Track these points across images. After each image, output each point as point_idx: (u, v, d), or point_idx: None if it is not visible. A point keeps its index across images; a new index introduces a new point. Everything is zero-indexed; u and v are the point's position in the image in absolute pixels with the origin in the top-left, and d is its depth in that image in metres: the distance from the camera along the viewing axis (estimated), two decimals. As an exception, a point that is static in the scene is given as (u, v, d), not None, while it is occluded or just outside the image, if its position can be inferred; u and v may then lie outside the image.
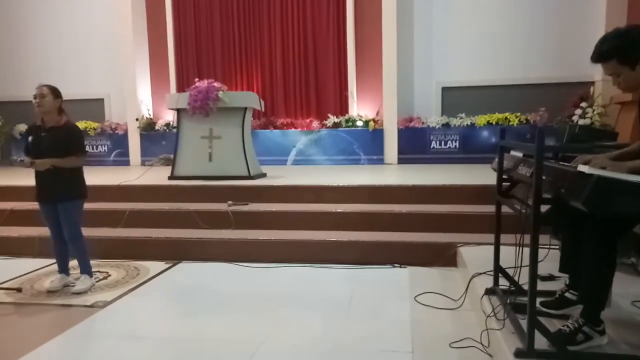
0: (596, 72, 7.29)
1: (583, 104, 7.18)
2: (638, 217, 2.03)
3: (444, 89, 8.16)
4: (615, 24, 2.30)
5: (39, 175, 3.58)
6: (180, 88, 8.71)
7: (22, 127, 9.04)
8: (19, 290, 3.70)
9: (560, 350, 2.01)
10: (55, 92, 3.54)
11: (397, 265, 4.19)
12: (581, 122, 7.00)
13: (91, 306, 3.39)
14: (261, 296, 3.56)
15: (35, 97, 3.49)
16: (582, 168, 1.79)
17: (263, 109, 6.74)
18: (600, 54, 2.10)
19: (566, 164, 2.14)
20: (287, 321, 3.09)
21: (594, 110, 7.10)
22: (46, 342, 2.81)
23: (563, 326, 2.13)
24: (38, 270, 4.27)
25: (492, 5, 7.87)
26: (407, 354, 2.59)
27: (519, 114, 7.63)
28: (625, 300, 2.63)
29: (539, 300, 2.48)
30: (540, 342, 2.05)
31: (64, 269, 3.79)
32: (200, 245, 4.54)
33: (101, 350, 2.74)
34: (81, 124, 8.41)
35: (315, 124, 8.23)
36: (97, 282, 3.89)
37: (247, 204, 5.10)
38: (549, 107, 7.45)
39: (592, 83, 7.39)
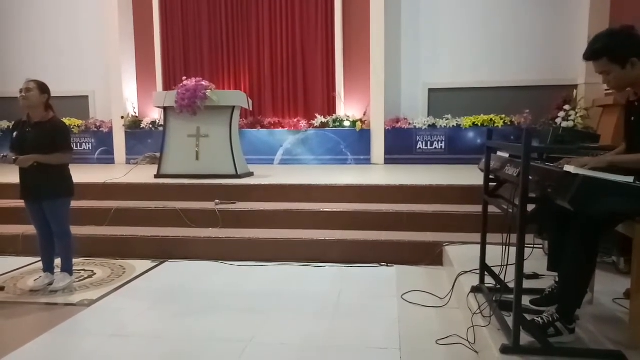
0: (579, 76, 7.44)
1: (566, 107, 7.30)
2: (621, 216, 2.09)
3: (431, 91, 8.22)
4: (598, 29, 2.37)
5: (23, 172, 3.52)
6: (167, 86, 8.63)
7: (5, 124, 8.90)
8: (1, 289, 3.65)
9: (544, 346, 2.05)
10: (42, 88, 3.49)
11: (384, 264, 4.22)
12: (564, 124, 7.12)
13: (77, 305, 3.35)
14: (249, 295, 3.56)
15: (21, 92, 3.45)
16: (569, 168, 1.84)
17: (251, 108, 6.74)
18: (593, 52, 2.17)
19: (551, 164, 2.19)
20: (276, 319, 3.09)
21: (576, 113, 7.22)
22: (31, 341, 2.77)
23: (538, 317, 2.18)
24: (21, 268, 4.21)
25: (478, 8, 7.96)
26: (394, 351, 2.61)
27: (503, 115, 7.72)
28: (607, 298, 2.69)
29: (527, 298, 2.54)
30: (526, 338, 2.10)
31: (49, 268, 3.75)
32: (187, 244, 4.52)
33: (88, 348, 2.71)
34: (65, 121, 8.27)
35: (303, 123, 8.23)
36: (82, 280, 3.86)
37: (234, 203, 5.09)
38: (533, 109, 7.56)
39: (575, 86, 7.52)
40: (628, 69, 2.12)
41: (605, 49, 2.13)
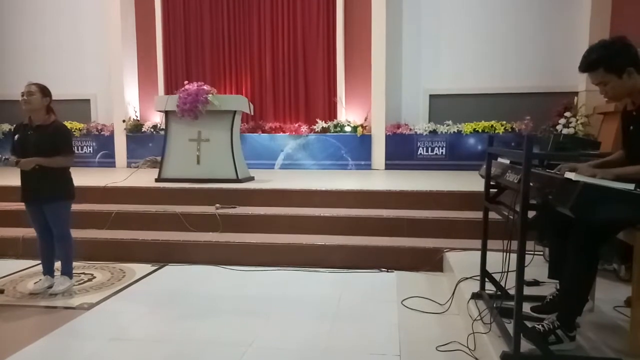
0: (580, 83, 7.46)
1: (567, 114, 7.32)
2: (622, 223, 2.09)
3: (432, 97, 8.24)
4: (598, 37, 2.39)
5: (24, 175, 3.52)
6: (169, 90, 8.66)
7: (6, 127, 8.92)
8: (1, 291, 3.65)
9: (545, 353, 2.04)
10: (43, 91, 3.50)
11: (384, 269, 4.21)
12: (565, 131, 7.14)
13: (76, 308, 3.35)
14: (249, 299, 3.55)
15: (23, 95, 3.46)
16: (570, 175, 1.84)
17: (252, 113, 6.75)
18: (588, 64, 2.18)
19: (552, 171, 2.20)
20: (275, 324, 3.09)
21: (577, 120, 7.24)
22: (30, 344, 2.77)
23: (538, 325, 2.17)
24: (21, 271, 4.20)
25: (479, 15, 8.00)
26: (394, 357, 2.61)
27: (504, 122, 7.74)
28: (608, 306, 2.68)
29: (527, 305, 2.53)
30: (527, 345, 2.09)
31: (49, 271, 3.74)
32: (187, 248, 4.51)
33: (87, 351, 2.71)
34: (66, 125, 8.30)
35: (304, 128, 8.24)
36: (81, 284, 3.85)
37: (234, 207, 5.08)
38: (534, 116, 7.57)
39: (576, 93, 7.54)
40: (625, 79, 2.12)
41: (601, 60, 2.14)
